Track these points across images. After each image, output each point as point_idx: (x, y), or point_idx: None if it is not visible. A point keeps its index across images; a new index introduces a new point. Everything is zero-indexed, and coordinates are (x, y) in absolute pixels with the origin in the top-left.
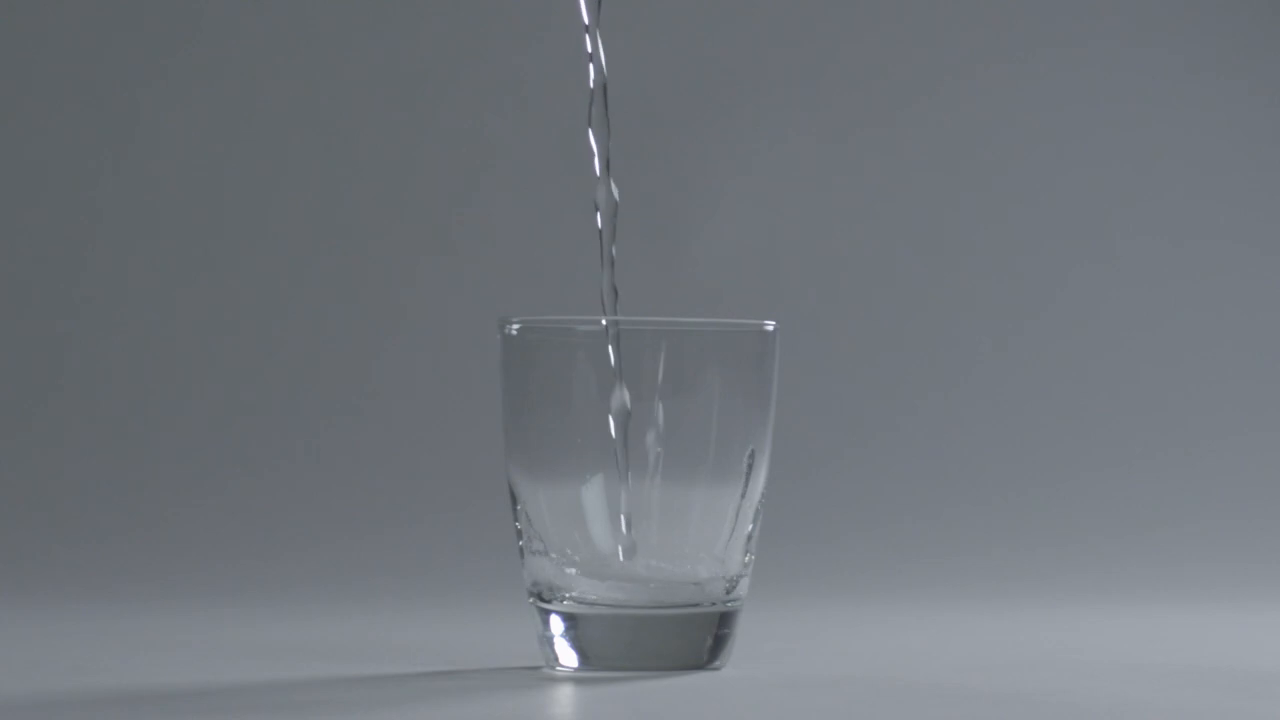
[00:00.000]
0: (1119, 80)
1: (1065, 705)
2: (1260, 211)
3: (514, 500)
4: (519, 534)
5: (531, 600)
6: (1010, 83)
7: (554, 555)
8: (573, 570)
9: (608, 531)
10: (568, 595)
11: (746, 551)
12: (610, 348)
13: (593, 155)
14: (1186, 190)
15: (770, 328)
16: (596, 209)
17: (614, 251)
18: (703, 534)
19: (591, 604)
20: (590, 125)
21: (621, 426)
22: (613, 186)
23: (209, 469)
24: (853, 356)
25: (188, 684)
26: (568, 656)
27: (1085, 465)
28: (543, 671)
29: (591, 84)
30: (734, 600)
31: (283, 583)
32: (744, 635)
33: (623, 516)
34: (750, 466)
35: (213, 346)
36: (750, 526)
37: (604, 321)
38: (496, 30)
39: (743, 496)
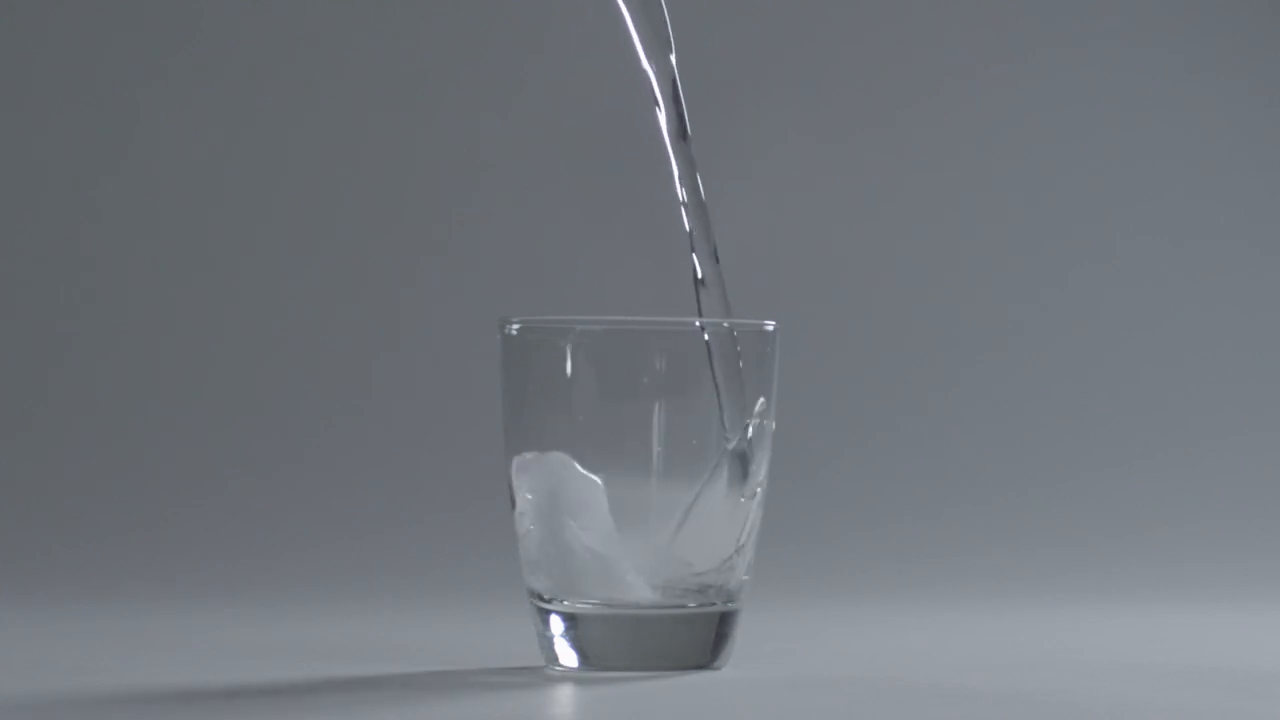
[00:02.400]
0: (1119, 80)
1: (1065, 705)
2: (1260, 211)
3: (514, 500)
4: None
5: (531, 600)
6: (1010, 83)
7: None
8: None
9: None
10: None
11: (746, 551)
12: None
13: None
14: (1186, 190)
15: (770, 328)
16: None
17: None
18: (702, 533)
19: (592, 604)
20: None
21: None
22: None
23: (209, 469)
24: (853, 356)
25: (188, 684)
26: (568, 656)
27: (1085, 465)
28: (543, 671)
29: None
30: (734, 600)
31: (283, 583)
32: (744, 635)
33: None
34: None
35: (213, 346)
36: (750, 526)
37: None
38: (496, 30)
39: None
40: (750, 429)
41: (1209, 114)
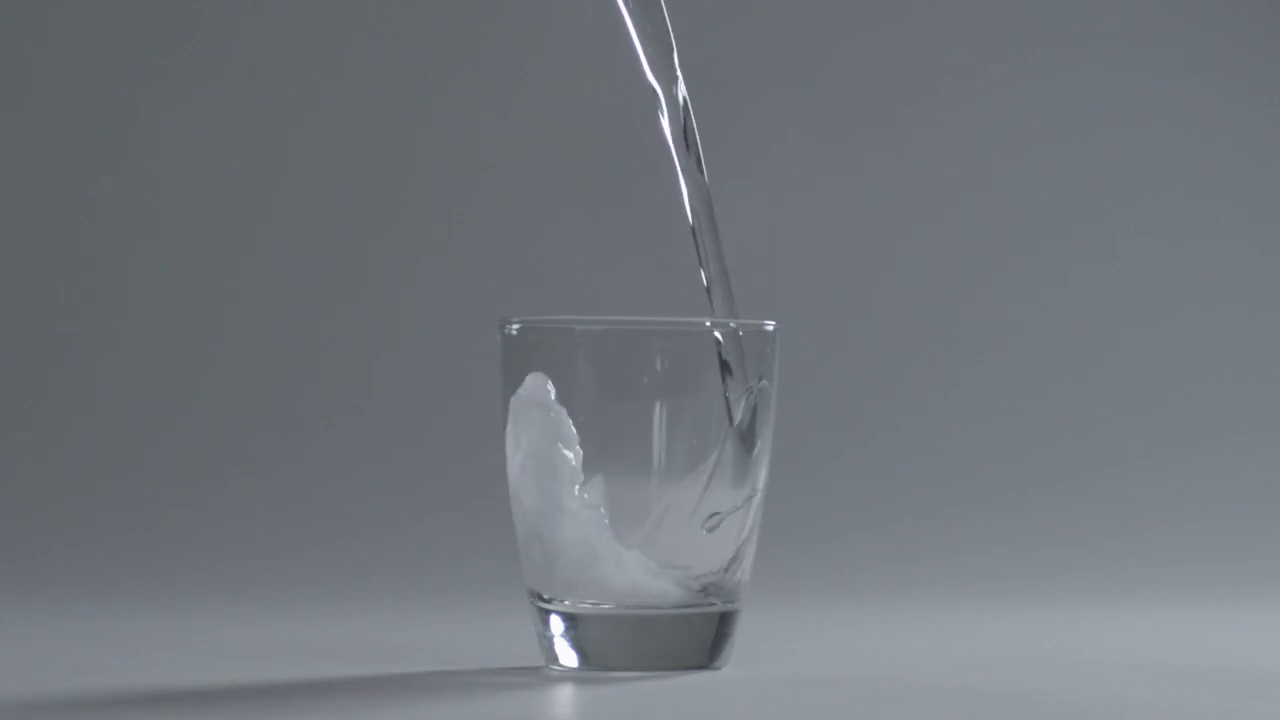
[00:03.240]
0: (1119, 80)
1: (1065, 705)
2: (1260, 211)
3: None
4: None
5: (531, 600)
6: (1010, 83)
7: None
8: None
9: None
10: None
11: (746, 551)
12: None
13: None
14: (1186, 190)
15: (770, 328)
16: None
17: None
18: (702, 534)
19: (592, 604)
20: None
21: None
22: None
23: (209, 469)
24: (853, 356)
25: (188, 684)
26: (568, 656)
27: (1085, 465)
28: (543, 671)
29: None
30: (734, 600)
31: (283, 583)
32: (744, 635)
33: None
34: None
35: (213, 346)
36: (750, 526)
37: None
38: (496, 30)
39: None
40: (753, 395)
41: (1209, 114)
